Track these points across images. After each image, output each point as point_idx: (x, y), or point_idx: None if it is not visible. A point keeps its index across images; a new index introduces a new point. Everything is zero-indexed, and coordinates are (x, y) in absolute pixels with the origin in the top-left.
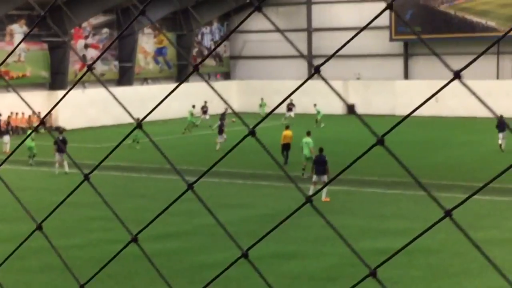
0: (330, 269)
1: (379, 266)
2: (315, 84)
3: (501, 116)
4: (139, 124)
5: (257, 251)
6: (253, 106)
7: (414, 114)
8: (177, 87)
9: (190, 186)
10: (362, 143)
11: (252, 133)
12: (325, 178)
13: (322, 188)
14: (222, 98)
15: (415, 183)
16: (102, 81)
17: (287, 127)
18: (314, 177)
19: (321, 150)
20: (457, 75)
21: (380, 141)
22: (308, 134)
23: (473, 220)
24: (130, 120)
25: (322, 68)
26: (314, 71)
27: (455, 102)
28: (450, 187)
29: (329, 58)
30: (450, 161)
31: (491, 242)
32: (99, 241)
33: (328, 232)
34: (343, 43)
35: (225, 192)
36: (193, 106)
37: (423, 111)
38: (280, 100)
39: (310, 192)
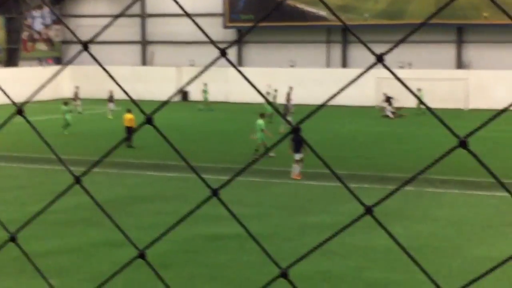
0: (163, 255)
1: (146, 247)
2: (148, 70)
3: (385, 94)
4: None
5: (90, 238)
6: (85, 92)
7: (249, 101)
8: None
9: None
10: (197, 129)
11: (19, 112)
12: (299, 156)
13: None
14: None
15: (248, 170)
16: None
17: (128, 110)
18: (295, 156)
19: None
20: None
21: (148, 122)
22: (261, 116)
23: (305, 205)
24: None
25: (157, 53)
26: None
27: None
28: (281, 173)
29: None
30: (283, 148)
31: (322, 226)
32: None
33: (162, 219)
34: (177, 30)
35: (58, 179)
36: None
37: (257, 98)
38: (115, 86)
39: (293, 170)
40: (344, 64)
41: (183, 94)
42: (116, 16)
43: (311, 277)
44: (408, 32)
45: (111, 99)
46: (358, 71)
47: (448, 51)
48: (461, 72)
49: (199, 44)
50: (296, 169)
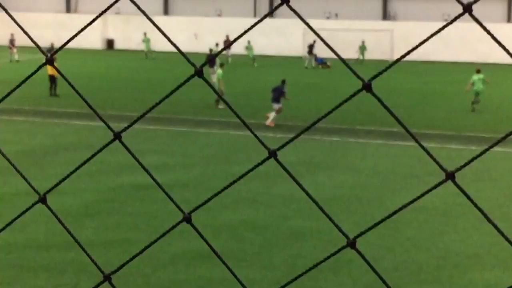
0: (87, 205)
1: (46, 192)
2: (72, 18)
3: (312, 44)
4: None
5: (12, 188)
6: (4, 39)
7: (173, 50)
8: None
9: None
10: (121, 78)
11: None
12: (277, 106)
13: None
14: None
15: (173, 119)
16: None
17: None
18: (273, 105)
19: (283, 81)
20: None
21: (48, 63)
22: (221, 65)
23: (230, 154)
24: None
25: (82, 0)
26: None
27: (214, 39)
28: (207, 123)
29: None
30: (206, 98)
31: (246, 175)
32: None
33: (86, 168)
34: None
35: None
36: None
37: (181, 48)
38: (37, 34)
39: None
40: (271, 14)
41: (109, 42)
42: None
43: (235, 227)
44: None
45: (49, 49)
46: (285, 21)
47: (375, 2)
48: (386, 24)
49: None
50: (271, 116)
